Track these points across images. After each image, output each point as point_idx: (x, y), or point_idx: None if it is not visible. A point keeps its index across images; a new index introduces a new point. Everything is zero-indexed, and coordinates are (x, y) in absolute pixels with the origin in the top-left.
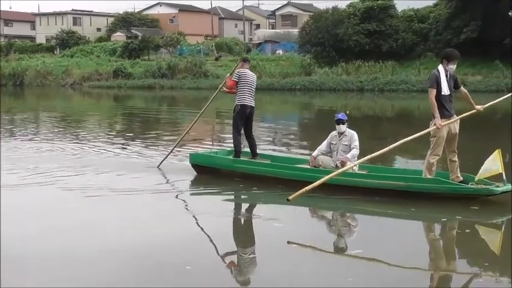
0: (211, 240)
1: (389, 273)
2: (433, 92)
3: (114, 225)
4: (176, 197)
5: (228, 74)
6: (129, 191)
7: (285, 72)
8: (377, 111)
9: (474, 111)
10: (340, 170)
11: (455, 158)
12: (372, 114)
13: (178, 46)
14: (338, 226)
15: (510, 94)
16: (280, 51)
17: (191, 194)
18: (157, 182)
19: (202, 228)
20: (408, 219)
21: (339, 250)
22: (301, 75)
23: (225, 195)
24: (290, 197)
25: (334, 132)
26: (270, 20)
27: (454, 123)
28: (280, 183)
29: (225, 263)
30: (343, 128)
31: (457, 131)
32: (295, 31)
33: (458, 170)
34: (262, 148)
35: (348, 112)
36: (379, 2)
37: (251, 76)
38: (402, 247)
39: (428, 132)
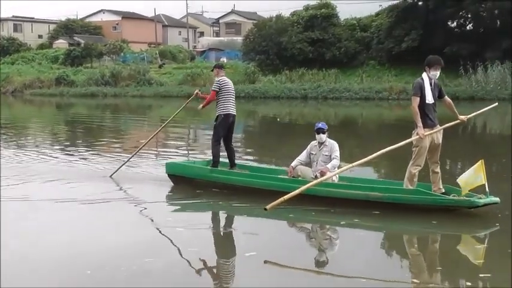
0: (181, 253)
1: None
2: (416, 100)
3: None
4: (145, 208)
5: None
6: (88, 202)
7: None
8: (321, 118)
9: (458, 121)
10: (319, 180)
11: (438, 169)
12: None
13: (122, 53)
14: (318, 239)
15: (494, 105)
16: (224, 59)
17: (166, 205)
18: (120, 192)
19: (171, 241)
20: (388, 231)
21: (319, 265)
22: (245, 83)
23: (201, 206)
24: (268, 206)
25: (314, 142)
26: (214, 28)
27: (437, 133)
28: (259, 194)
29: (199, 277)
30: (323, 137)
31: (440, 141)
32: (239, 39)
33: (441, 181)
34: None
35: (278, 120)
36: (322, 10)
37: (230, 83)
38: (383, 261)
39: (411, 142)
